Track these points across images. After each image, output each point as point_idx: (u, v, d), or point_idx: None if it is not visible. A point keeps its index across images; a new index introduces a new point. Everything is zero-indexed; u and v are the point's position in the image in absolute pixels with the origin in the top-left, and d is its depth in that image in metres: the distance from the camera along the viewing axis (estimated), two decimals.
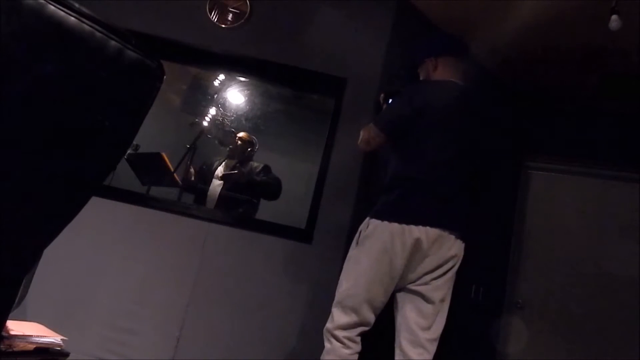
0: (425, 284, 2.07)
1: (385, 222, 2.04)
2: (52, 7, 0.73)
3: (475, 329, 3.48)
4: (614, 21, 2.48)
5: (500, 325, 3.66)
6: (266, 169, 3.88)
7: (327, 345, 2.06)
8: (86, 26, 0.77)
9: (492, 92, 3.75)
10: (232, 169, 3.90)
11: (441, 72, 2.28)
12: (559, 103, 3.92)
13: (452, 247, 2.08)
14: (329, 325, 2.09)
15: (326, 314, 2.44)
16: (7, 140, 0.75)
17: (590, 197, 3.77)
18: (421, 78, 2.37)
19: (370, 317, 2.07)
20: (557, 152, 3.90)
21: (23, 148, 0.78)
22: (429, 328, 2.03)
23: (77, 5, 0.76)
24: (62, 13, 0.75)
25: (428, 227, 2.02)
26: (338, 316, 2.07)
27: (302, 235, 2.89)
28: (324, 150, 2.98)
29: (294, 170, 4.18)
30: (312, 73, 3.09)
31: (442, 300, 2.08)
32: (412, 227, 2.01)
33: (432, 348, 2.03)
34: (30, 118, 0.77)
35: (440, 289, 2.07)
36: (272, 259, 2.85)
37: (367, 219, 2.13)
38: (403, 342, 2.03)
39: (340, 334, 2.04)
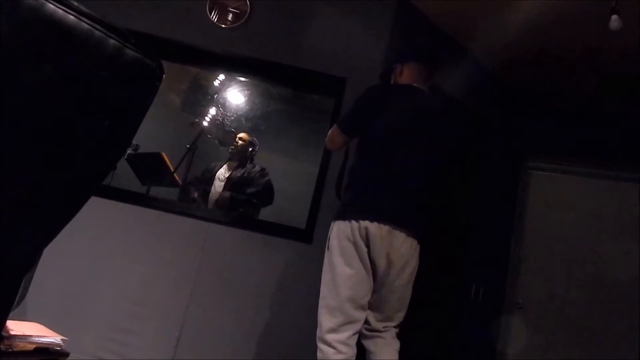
0: (383, 283, 2.15)
1: (346, 222, 2.13)
2: (51, 5, 0.73)
3: (475, 329, 3.48)
4: (614, 21, 2.48)
5: (500, 325, 3.66)
6: (262, 173, 3.89)
7: (318, 354, 2.06)
8: (85, 25, 0.77)
9: (492, 92, 3.76)
10: (233, 171, 3.91)
11: (405, 77, 2.38)
12: (559, 103, 3.92)
13: (403, 244, 2.14)
14: (318, 332, 2.09)
15: None
16: (6, 139, 0.75)
17: (590, 197, 3.77)
18: (391, 82, 2.46)
19: (357, 314, 2.09)
20: (557, 152, 3.90)
21: (22, 147, 0.78)
22: (390, 305, 2.16)
23: (76, 4, 0.76)
24: (61, 12, 0.74)
25: (381, 224, 2.09)
26: (325, 320, 2.08)
27: (302, 235, 2.88)
28: (324, 150, 2.98)
29: (294, 170, 4.18)
30: (312, 73, 3.08)
31: (398, 301, 2.18)
32: (367, 222, 2.09)
33: (397, 316, 2.18)
34: (29, 117, 0.77)
35: (397, 291, 2.16)
36: (272, 258, 2.85)
37: (332, 222, 2.22)
38: (368, 317, 2.15)
39: (331, 338, 2.04)
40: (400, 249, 2.13)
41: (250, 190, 3.79)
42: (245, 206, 3.79)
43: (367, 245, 2.09)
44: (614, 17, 2.48)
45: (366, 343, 2.16)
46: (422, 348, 2.29)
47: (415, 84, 2.33)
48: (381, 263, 2.11)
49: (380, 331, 2.15)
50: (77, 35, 0.76)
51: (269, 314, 2.78)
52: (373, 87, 2.40)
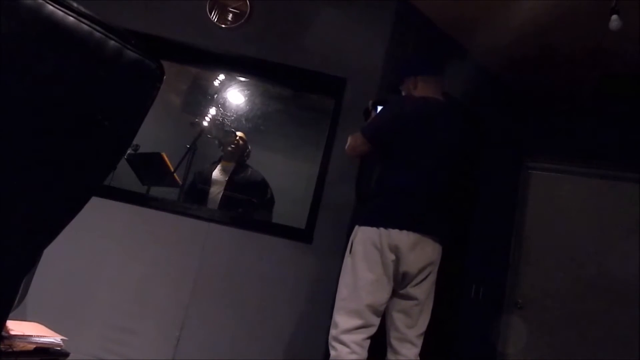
0: (410, 285, 2.20)
1: (374, 228, 2.16)
2: (51, 6, 0.73)
3: (475, 329, 3.48)
4: (614, 21, 2.48)
5: (500, 325, 3.66)
6: (264, 184, 3.93)
7: (332, 352, 2.10)
8: (85, 26, 0.77)
9: (492, 92, 3.75)
10: (233, 172, 3.91)
11: (421, 89, 2.42)
12: (559, 103, 3.92)
13: (433, 251, 2.21)
14: (333, 331, 2.13)
15: (326, 313, 2.43)
16: (6, 140, 0.75)
17: (590, 197, 3.77)
18: (403, 94, 2.50)
19: (374, 320, 2.14)
20: (557, 152, 3.90)
21: (22, 148, 0.78)
22: (414, 326, 2.19)
23: (75, 5, 0.76)
24: (61, 13, 0.74)
25: (410, 232, 2.14)
26: (342, 321, 2.11)
27: (302, 235, 2.89)
28: (324, 150, 2.98)
29: (294, 170, 4.18)
30: (311, 73, 3.08)
31: (426, 299, 2.23)
32: (397, 231, 2.13)
33: (419, 342, 2.21)
34: (29, 118, 0.77)
35: (424, 290, 2.22)
36: (272, 259, 2.85)
37: (356, 227, 2.25)
38: (393, 340, 2.19)
39: (346, 338, 2.08)
40: (431, 256, 2.20)
41: (253, 198, 3.83)
42: (246, 207, 3.79)
43: (396, 254, 2.13)
44: (614, 17, 2.48)
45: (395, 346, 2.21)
46: (422, 348, 2.31)
47: (433, 96, 2.39)
48: (412, 271, 2.16)
49: (411, 341, 2.18)
50: (77, 36, 0.76)
51: (269, 314, 2.78)
52: (398, 99, 2.47)
